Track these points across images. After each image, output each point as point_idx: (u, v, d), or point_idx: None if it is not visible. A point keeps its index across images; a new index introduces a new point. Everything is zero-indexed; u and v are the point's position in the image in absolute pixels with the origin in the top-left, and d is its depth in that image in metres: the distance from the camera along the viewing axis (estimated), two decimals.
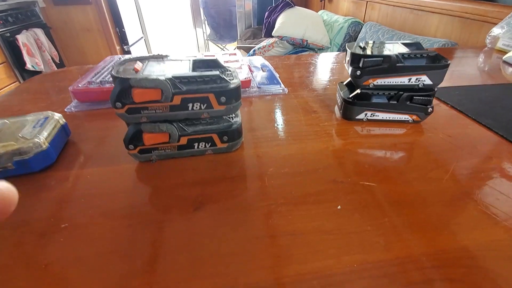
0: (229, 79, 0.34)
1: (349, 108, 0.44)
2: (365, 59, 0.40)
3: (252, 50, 2.05)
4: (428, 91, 0.42)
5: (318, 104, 0.52)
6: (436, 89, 0.42)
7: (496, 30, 0.89)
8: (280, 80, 0.59)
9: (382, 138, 0.41)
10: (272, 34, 1.98)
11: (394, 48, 0.44)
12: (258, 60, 0.72)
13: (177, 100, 0.32)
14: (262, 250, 0.24)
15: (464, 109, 0.48)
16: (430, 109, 0.42)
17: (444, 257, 0.24)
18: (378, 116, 0.44)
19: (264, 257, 0.24)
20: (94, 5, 2.35)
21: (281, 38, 1.95)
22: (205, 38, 2.96)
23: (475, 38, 1.26)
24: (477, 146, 0.39)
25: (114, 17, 2.46)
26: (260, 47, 2.02)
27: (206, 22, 2.97)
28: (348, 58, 0.43)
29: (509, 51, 0.78)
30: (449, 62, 0.39)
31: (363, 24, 1.86)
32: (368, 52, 0.42)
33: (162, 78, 0.30)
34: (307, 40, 1.95)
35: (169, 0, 2.91)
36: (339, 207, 0.29)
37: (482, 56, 0.86)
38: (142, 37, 2.64)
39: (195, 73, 0.32)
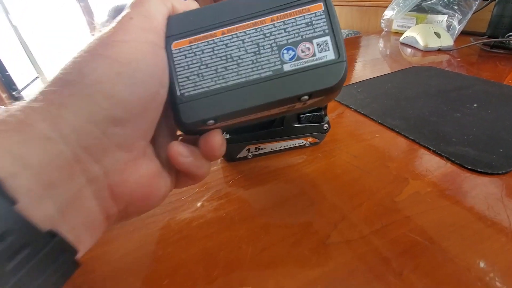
0: None
1: (226, 146, 0.32)
2: None
3: None
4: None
5: None
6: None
7: (388, 13, 0.88)
8: None
9: (272, 181, 0.29)
10: None
11: None
12: None
13: None
14: None
15: (368, 111, 0.40)
16: (326, 125, 0.33)
17: None
18: (265, 148, 0.33)
19: None
20: None
21: None
22: None
23: (373, 25, 1.29)
24: (387, 164, 0.30)
25: None
26: None
27: None
28: None
29: (404, 31, 0.76)
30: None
31: None
32: None
33: None
34: None
35: (62, 29, 2.54)
36: None
37: (381, 41, 0.84)
38: (37, 77, 2.26)
39: None
